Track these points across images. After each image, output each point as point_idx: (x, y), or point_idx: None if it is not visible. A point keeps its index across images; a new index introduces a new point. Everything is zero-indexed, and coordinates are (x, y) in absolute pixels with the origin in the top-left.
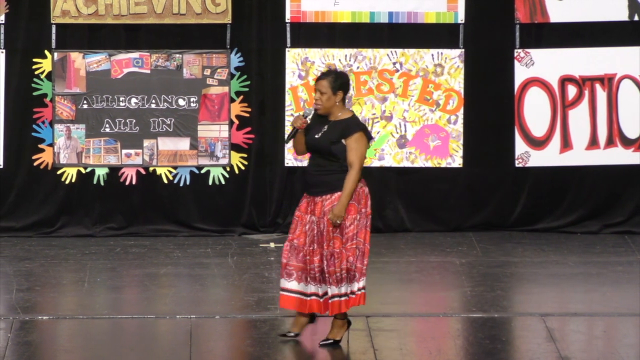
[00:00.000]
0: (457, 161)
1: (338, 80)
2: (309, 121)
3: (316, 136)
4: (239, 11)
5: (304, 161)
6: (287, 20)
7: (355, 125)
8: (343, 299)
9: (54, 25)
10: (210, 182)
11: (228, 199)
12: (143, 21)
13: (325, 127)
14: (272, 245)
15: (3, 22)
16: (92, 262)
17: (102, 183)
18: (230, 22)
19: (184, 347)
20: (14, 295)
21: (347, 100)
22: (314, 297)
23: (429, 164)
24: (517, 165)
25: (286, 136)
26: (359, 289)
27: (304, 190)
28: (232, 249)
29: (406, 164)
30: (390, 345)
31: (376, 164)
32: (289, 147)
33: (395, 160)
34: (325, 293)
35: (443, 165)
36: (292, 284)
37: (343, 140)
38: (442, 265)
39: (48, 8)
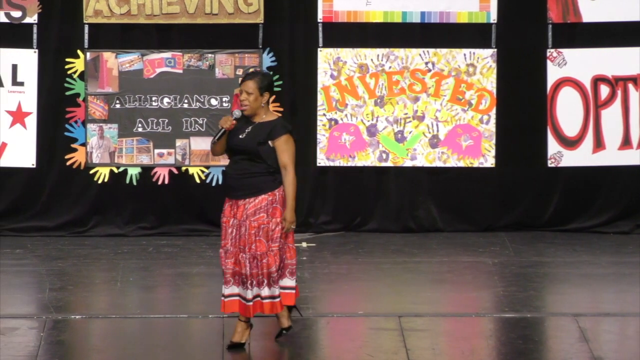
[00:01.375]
0: (489, 161)
1: (265, 81)
2: (236, 122)
3: (240, 137)
4: (271, 11)
5: (336, 161)
6: (319, 20)
7: (283, 127)
8: (277, 300)
9: (87, 25)
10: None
11: None
12: (175, 21)
13: (250, 128)
14: (304, 244)
15: (36, 22)
16: (124, 261)
17: (134, 183)
18: (262, 22)
19: (216, 347)
20: (47, 294)
21: (379, 100)
22: (237, 299)
23: (461, 164)
24: (549, 165)
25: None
26: (289, 287)
27: (225, 194)
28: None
29: (438, 163)
30: (422, 345)
31: (408, 163)
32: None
33: (428, 160)
34: (257, 295)
35: (475, 165)
36: (231, 289)
37: (270, 142)
38: (474, 265)
39: (81, 8)
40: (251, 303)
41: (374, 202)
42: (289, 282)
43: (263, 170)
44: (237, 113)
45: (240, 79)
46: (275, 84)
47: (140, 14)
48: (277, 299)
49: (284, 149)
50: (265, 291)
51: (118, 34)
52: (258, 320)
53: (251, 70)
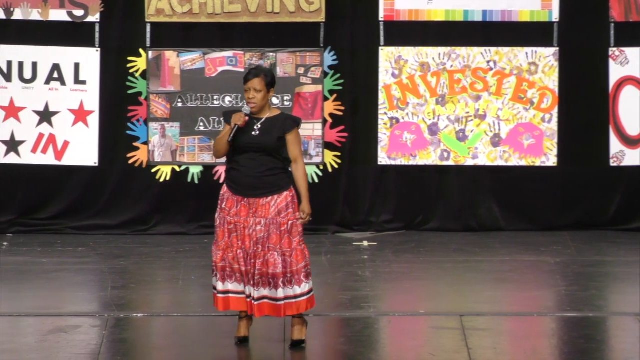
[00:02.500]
0: (551, 160)
1: (269, 77)
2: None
3: (253, 134)
4: (333, 10)
5: (397, 160)
6: (380, 19)
7: (294, 121)
8: (305, 297)
9: (149, 24)
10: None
11: (321, 198)
12: (237, 20)
13: (259, 124)
14: (365, 243)
15: (98, 21)
16: (186, 259)
17: (196, 181)
18: (323, 20)
19: (277, 345)
20: (109, 292)
21: (440, 99)
22: (242, 296)
23: (523, 163)
24: (611, 164)
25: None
26: (310, 290)
27: (239, 193)
28: (326, 247)
29: (500, 162)
30: (484, 344)
31: (470, 162)
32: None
33: (489, 159)
34: (267, 296)
35: (537, 164)
36: (239, 286)
37: (284, 136)
38: (536, 264)
39: (143, 7)
40: (282, 303)
41: (435, 201)
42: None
43: (280, 166)
44: (247, 109)
45: (244, 77)
46: (337, 82)
47: (201, 13)
48: (306, 296)
49: (296, 142)
50: (295, 290)
51: (180, 33)
52: (318, 319)
53: (252, 67)
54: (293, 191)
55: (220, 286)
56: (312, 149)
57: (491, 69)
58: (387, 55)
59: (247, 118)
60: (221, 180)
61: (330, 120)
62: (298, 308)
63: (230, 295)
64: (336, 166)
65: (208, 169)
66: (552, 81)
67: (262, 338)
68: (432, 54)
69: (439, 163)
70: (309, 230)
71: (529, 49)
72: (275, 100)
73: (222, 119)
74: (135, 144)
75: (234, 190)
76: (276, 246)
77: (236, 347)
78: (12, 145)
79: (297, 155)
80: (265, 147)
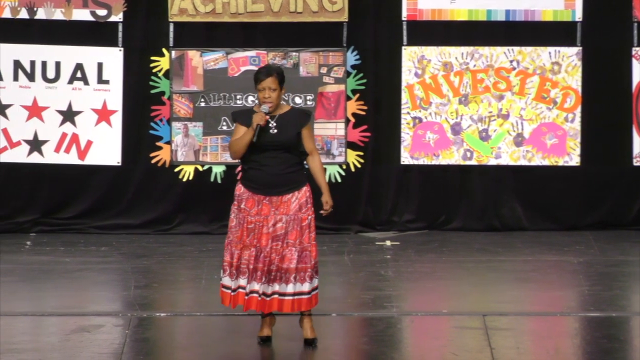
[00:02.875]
0: (574, 159)
1: (281, 75)
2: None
3: (272, 132)
4: (356, 9)
5: (420, 159)
6: (403, 19)
7: (307, 115)
8: (314, 293)
9: (172, 24)
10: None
11: (344, 197)
12: (260, 19)
13: (273, 122)
14: (388, 243)
15: (121, 20)
16: (209, 259)
17: (219, 181)
18: (346, 20)
19: (300, 345)
20: (132, 292)
21: (463, 98)
22: (264, 297)
23: (546, 163)
24: (635, 164)
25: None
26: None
27: (257, 192)
28: (348, 246)
29: (523, 162)
30: (506, 344)
31: (493, 162)
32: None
33: (512, 158)
34: (277, 292)
35: (560, 163)
36: (253, 285)
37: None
38: (559, 264)
39: (166, 6)
40: (290, 298)
41: (458, 200)
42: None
43: (298, 162)
44: (266, 108)
45: (256, 76)
46: (359, 82)
47: (224, 13)
48: (315, 292)
49: (311, 134)
50: (306, 286)
51: (203, 33)
52: (340, 318)
53: (263, 65)
54: (309, 186)
55: (234, 284)
56: (335, 148)
57: (514, 69)
58: (409, 55)
59: (267, 117)
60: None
61: (352, 119)
62: (310, 303)
63: (239, 292)
64: (359, 166)
65: (231, 168)
66: (575, 81)
67: (284, 337)
68: (454, 53)
69: (462, 163)
70: (331, 229)
71: (552, 49)
72: (298, 100)
73: (233, 118)
74: (158, 144)
75: (254, 189)
76: (295, 242)
77: (258, 347)
78: (35, 144)
79: (312, 148)
80: (285, 144)
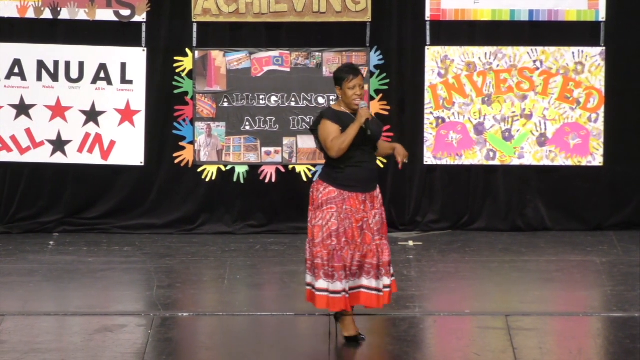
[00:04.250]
0: (597, 160)
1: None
2: None
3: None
4: (379, 9)
5: (443, 159)
6: (427, 18)
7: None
8: (389, 289)
9: (195, 24)
10: None
11: None
12: (283, 19)
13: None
14: (411, 243)
15: (145, 20)
16: (232, 259)
17: (242, 181)
18: (370, 20)
19: (323, 345)
20: (155, 292)
21: (486, 98)
22: (362, 290)
23: (569, 163)
24: None
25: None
26: (392, 275)
27: (356, 189)
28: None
29: (546, 162)
30: (529, 344)
31: (516, 162)
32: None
33: (535, 158)
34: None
35: (583, 163)
36: (336, 285)
37: None
38: (582, 264)
39: (189, 7)
40: (382, 293)
41: (481, 200)
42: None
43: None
44: (365, 103)
45: (343, 75)
46: (383, 82)
47: (248, 13)
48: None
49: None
50: (385, 280)
51: (226, 33)
52: (364, 318)
53: (345, 64)
54: None
55: (346, 285)
56: None
57: (537, 69)
58: (433, 55)
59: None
60: (267, 180)
61: None
62: (389, 298)
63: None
64: (382, 166)
65: (254, 168)
66: (598, 81)
67: (307, 335)
68: (478, 53)
69: (485, 163)
70: None
71: (575, 49)
72: (321, 100)
73: (325, 117)
74: (182, 144)
75: (354, 188)
76: (385, 235)
77: (281, 346)
78: (59, 144)
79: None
80: (375, 140)
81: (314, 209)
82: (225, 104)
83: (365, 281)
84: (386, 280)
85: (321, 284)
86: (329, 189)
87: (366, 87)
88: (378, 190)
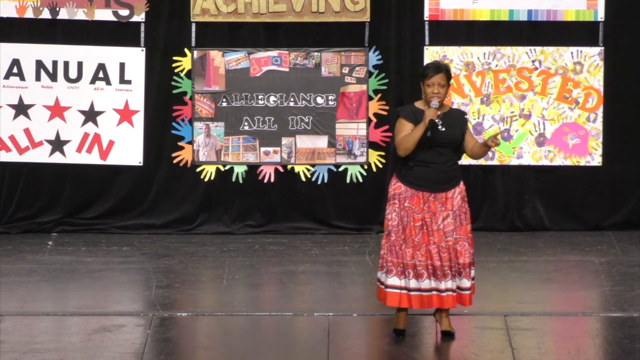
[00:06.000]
0: (596, 159)
1: (448, 72)
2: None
3: (441, 128)
4: (378, 9)
5: None
6: (425, 18)
7: (465, 116)
8: (469, 291)
9: (194, 24)
10: (348, 180)
11: (366, 197)
12: (282, 19)
13: (439, 119)
14: None
15: (143, 20)
16: (230, 259)
17: (240, 181)
18: (368, 20)
19: (321, 345)
20: (154, 291)
21: (485, 98)
22: (450, 293)
23: (568, 162)
24: None
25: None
26: (473, 278)
27: (423, 189)
28: (370, 246)
29: (545, 162)
30: (528, 344)
31: (514, 162)
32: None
33: (534, 158)
34: (458, 287)
35: (582, 163)
36: (414, 282)
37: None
38: (581, 264)
39: (188, 7)
40: (454, 293)
41: (480, 200)
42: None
43: (458, 159)
44: (435, 104)
45: (425, 71)
46: (381, 82)
47: (247, 13)
48: (468, 291)
49: (472, 132)
50: (465, 282)
51: (225, 33)
52: (362, 318)
53: (431, 61)
54: (463, 180)
55: (404, 283)
56: (357, 148)
57: (536, 69)
58: (431, 55)
59: (438, 112)
60: (265, 180)
61: (374, 119)
62: (469, 300)
63: (423, 293)
64: (380, 166)
65: (253, 168)
66: (597, 81)
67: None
68: (476, 53)
69: (484, 162)
70: (353, 229)
71: (574, 49)
72: (320, 100)
73: (399, 115)
74: (180, 144)
75: (420, 186)
76: (465, 236)
77: (279, 346)
78: (57, 144)
79: (477, 141)
80: (452, 142)
81: (387, 202)
82: (224, 104)
83: (434, 283)
84: (466, 283)
85: (380, 275)
86: (397, 184)
87: (364, 87)
88: (455, 191)
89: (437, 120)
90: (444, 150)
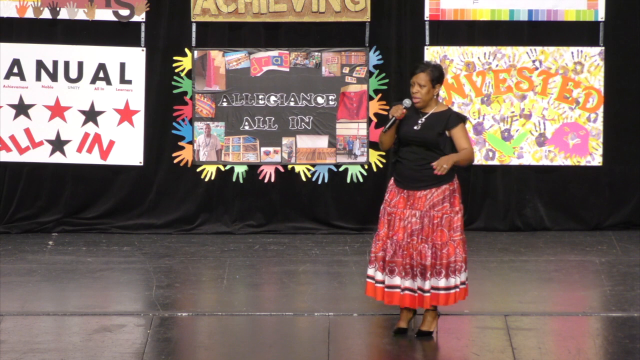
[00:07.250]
0: (596, 159)
1: (436, 73)
2: (406, 111)
3: (415, 128)
4: (378, 9)
5: None
6: (426, 18)
7: (458, 117)
8: (452, 291)
9: (194, 24)
10: (348, 180)
11: (366, 197)
12: (282, 19)
13: (423, 119)
14: None
15: (144, 20)
16: (231, 259)
17: (241, 181)
18: (369, 20)
19: (321, 345)
20: (154, 291)
21: (485, 98)
22: (408, 292)
23: (568, 162)
24: None
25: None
26: (462, 282)
27: (398, 184)
28: (370, 246)
29: (545, 162)
30: (528, 344)
31: (515, 162)
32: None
33: (534, 158)
34: (420, 287)
35: (582, 163)
36: (395, 280)
37: (447, 132)
38: (581, 264)
39: (188, 6)
40: (429, 294)
41: (480, 200)
42: (459, 277)
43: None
44: (407, 102)
45: (411, 70)
46: (382, 82)
47: (247, 13)
48: (453, 290)
49: (461, 135)
50: (442, 282)
51: (225, 33)
52: (362, 318)
53: (425, 61)
54: (454, 185)
55: (378, 276)
56: (357, 148)
57: (537, 69)
58: (432, 55)
59: (405, 111)
60: (266, 180)
61: (375, 119)
62: (445, 299)
63: (394, 290)
64: (381, 166)
65: (253, 168)
66: (597, 80)
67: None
68: (477, 53)
69: (484, 163)
70: (353, 229)
71: (574, 49)
72: (320, 100)
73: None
74: (181, 144)
75: (397, 182)
76: (427, 238)
77: (279, 346)
78: (58, 144)
79: (465, 146)
80: (425, 142)
81: None
82: (225, 104)
83: (397, 280)
84: (438, 282)
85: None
86: (392, 178)
87: (365, 87)
88: (429, 192)
89: (420, 120)
90: (417, 149)
